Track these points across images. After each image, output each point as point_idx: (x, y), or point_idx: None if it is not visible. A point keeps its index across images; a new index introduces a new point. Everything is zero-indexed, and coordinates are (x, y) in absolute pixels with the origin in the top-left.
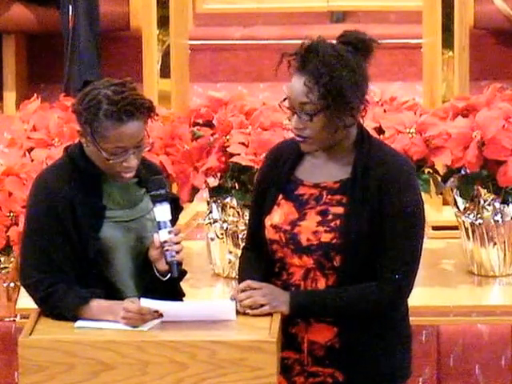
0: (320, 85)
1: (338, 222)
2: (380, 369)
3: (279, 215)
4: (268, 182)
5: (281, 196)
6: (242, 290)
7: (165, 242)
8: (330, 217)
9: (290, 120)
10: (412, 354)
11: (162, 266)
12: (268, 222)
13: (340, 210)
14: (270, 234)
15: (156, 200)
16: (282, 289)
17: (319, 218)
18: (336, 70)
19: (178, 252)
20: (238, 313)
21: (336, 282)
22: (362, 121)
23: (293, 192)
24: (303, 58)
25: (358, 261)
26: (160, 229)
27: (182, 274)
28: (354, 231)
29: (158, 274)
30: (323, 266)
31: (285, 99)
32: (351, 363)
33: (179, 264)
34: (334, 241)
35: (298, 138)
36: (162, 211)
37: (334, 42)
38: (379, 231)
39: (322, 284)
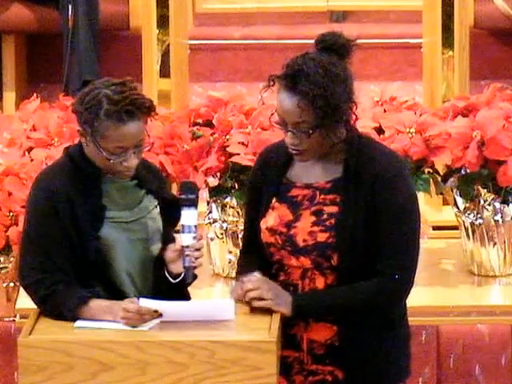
0: (315, 106)
1: (332, 221)
2: (380, 367)
3: (274, 218)
4: (260, 185)
5: (274, 199)
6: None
7: (187, 246)
8: (325, 216)
9: (285, 135)
10: (411, 353)
11: (175, 268)
12: (263, 225)
13: (334, 209)
14: (265, 237)
15: (184, 204)
16: None
17: (314, 218)
18: (329, 90)
19: (196, 258)
20: (236, 312)
21: (335, 281)
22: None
23: (286, 194)
24: (292, 78)
25: (356, 258)
26: (184, 232)
27: (193, 278)
28: (350, 229)
29: (168, 276)
30: (321, 265)
31: (272, 114)
32: (351, 361)
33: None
34: (329, 240)
35: (293, 152)
36: (189, 215)
37: (314, 50)
38: (375, 228)
39: (320, 283)
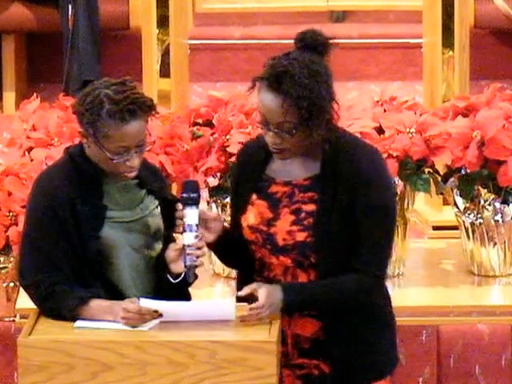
0: (300, 107)
1: (310, 220)
2: (366, 359)
3: (254, 215)
4: (241, 182)
5: (254, 195)
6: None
7: (188, 245)
8: (303, 215)
9: (264, 134)
10: (396, 342)
11: (176, 268)
12: (244, 222)
13: (312, 207)
14: (247, 234)
15: (186, 203)
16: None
17: (293, 217)
18: (314, 91)
19: (198, 257)
20: (236, 313)
21: (316, 278)
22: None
23: (265, 190)
24: (276, 79)
25: (335, 256)
26: (185, 231)
27: (194, 278)
28: (327, 228)
29: (169, 275)
30: (301, 263)
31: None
32: (337, 354)
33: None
34: (308, 239)
35: (274, 151)
36: (191, 214)
37: (295, 49)
38: (353, 226)
39: (303, 279)
